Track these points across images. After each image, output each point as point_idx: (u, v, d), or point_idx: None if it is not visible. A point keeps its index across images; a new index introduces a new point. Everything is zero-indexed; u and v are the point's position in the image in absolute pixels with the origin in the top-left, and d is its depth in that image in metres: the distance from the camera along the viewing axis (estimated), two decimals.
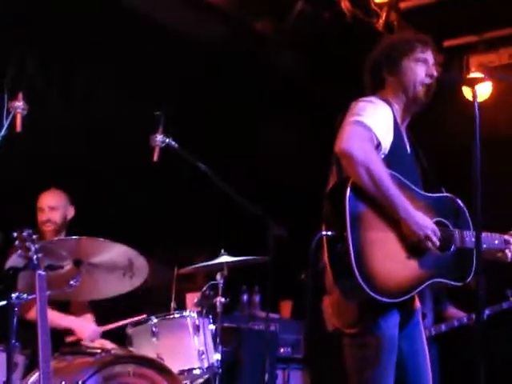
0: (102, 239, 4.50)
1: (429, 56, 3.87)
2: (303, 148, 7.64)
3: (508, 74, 7.20)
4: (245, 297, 7.36)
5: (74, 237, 4.54)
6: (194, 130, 6.64)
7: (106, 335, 5.47)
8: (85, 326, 5.47)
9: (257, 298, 7.40)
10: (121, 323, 5.43)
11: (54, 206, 5.69)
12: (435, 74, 3.83)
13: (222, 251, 5.63)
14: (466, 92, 6.58)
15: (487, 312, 6.65)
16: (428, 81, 3.82)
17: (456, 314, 6.76)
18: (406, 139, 3.86)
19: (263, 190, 7.17)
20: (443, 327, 6.65)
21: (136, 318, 5.36)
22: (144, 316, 5.33)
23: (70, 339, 5.39)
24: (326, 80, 7.33)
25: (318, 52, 7.18)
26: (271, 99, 7.57)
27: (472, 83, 3.79)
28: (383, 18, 7.18)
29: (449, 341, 6.69)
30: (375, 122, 3.58)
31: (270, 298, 5.83)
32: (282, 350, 7.11)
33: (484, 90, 7.44)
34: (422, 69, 3.82)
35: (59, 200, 5.74)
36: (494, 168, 6.12)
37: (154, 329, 5.14)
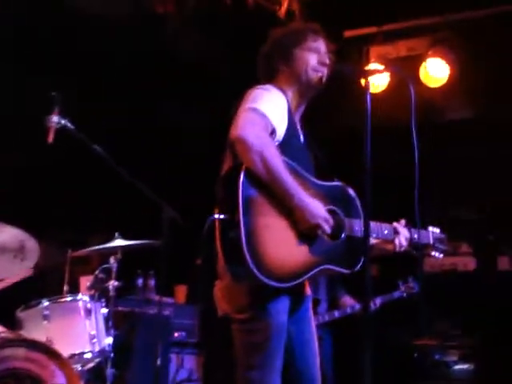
0: None
1: (320, 44, 3.93)
2: (200, 131, 7.64)
3: (404, 67, 7.41)
4: (140, 281, 7.31)
5: None
6: (93, 111, 6.57)
7: None
8: None
9: (152, 282, 7.34)
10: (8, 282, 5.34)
11: None
12: (327, 61, 3.88)
13: (117, 234, 5.59)
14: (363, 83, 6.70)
15: (379, 300, 6.80)
16: (320, 68, 3.87)
17: (349, 301, 6.88)
18: (299, 128, 3.90)
19: (159, 173, 7.14)
20: (336, 314, 6.76)
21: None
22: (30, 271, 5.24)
23: None
24: (225, 64, 7.34)
25: (218, 36, 7.17)
26: (171, 80, 7.54)
27: (365, 74, 3.83)
28: (285, 6, 7.22)
29: (342, 327, 6.80)
30: (270, 109, 3.60)
31: (163, 283, 5.82)
32: (176, 335, 7.11)
33: (381, 81, 7.59)
34: (313, 57, 3.88)
35: None
36: (391, 156, 6.28)
37: (45, 312, 5.07)
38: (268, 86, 3.76)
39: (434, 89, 7.63)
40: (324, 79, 3.88)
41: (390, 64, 7.34)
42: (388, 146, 6.04)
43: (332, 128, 7.67)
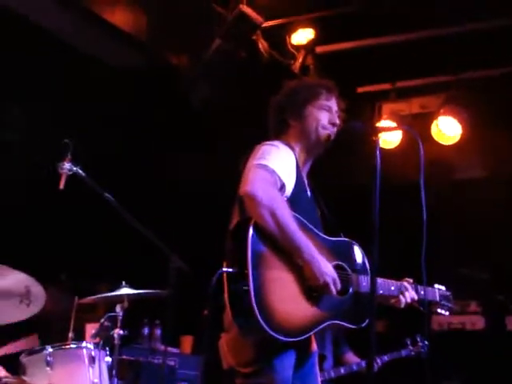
0: None
1: (333, 103, 3.97)
2: (211, 184, 7.66)
3: (416, 124, 7.44)
4: (146, 330, 7.29)
5: None
6: (103, 159, 6.60)
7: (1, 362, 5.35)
8: None
9: (158, 332, 7.32)
10: (12, 346, 5.32)
11: None
12: (337, 121, 3.92)
13: (123, 283, 5.57)
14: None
15: (386, 358, 6.74)
16: (330, 128, 3.90)
17: (353, 358, 6.84)
18: (306, 183, 3.93)
19: (168, 223, 7.14)
20: (342, 370, 6.70)
21: (29, 339, 5.26)
22: (35, 337, 5.23)
23: None
24: (239, 117, 7.39)
25: (233, 90, 7.23)
26: (183, 131, 7.59)
27: (376, 131, 3.83)
28: (299, 60, 7.28)
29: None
30: (278, 164, 3.64)
31: (169, 332, 5.80)
32: None
33: (394, 138, 7.61)
34: (325, 116, 3.92)
35: None
36: (401, 213, 6.26)
37: (48, 358, 5.04)
38: (276, 142, 3.80)
39: (446, 146, 7.64)
40: (332, 138, 3.91)
41: (402, 121, 7.36)
42: (398, 202, 6.02)
43: (343, 186, 7.69)
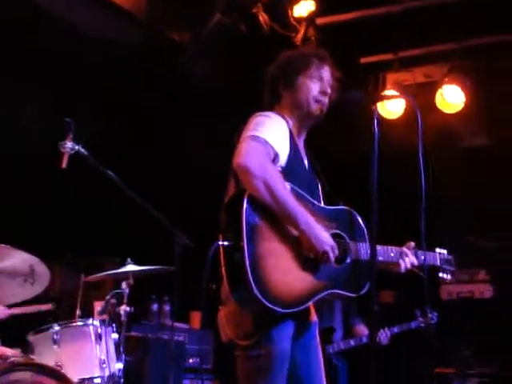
0: (2, 245, 4.47)
1: (325, 72, 3.92)
2: (212, 159, 7.66)
3: (420, 93, 7.41)
4: (154, 306, 7.33)
5: None
6: (106, 137, 6.61)
7: (7, 342, 5.38)
8: None
9: (167, 308, 7.36)
10: (27, 309, 5.35)
11: None
12: (328, 90, 3.89)
13: (129, 260, 5.59)
14: (379, 109, 6.71)
15: (395, 330, 6.75)
16: (321, 98, 3.88)
17: (364, 330, 6.84)
18: (302, 153, 3.91)
19: (172, 199, 7.15)
20: (352, 342, 6.72)
21: (43, 306, 5.30)
22: (49, 306, 5.26)
23: None
24: (240, 92, 7.37)
25: (234, 64, 7.22)
26: (184, 107, 7.59)
27: (375, 100, 3.84)
28: (301, 32, 7.25)
29: (358, 355, 6.76)
30: (271, 135, 3.62)
31: (176, 308, 5.82)
32: (190, 361, 7.09)
33: (397, 108, 7.59)
34: (316, 85, 3.88)
35: None
36: (404, 181, 6.25)
37: (55, 336, 5.08)
38: (268, 113, 3.78)
39: (451, 115, 7.62)
40: (324, 109, 3.89)
41: (406, 91, 7.34)
42: (402, 171, 6.02)
43: (344, 154, 7.67)
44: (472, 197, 7.94)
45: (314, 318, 3.87)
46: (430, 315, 6.78)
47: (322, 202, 3.87)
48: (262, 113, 3.77)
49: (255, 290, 3.36)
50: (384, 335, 6.64)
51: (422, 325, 6.79)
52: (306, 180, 3.81)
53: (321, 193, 3.93)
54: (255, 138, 3.57)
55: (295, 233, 3.56)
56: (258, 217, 3.49)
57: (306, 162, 3.91)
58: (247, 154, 3.52)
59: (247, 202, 3.48)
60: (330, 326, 6.69)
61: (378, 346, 6.50)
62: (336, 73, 3.96)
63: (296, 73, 3.89)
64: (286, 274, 3.50)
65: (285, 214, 3.52)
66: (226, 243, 3.50)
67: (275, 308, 3.42)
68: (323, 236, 3.57)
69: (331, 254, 3.58)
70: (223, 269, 3.51)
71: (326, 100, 3.88)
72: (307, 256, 3.57)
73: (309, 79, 3.88)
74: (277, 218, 3.52)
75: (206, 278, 3.61)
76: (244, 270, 3.37)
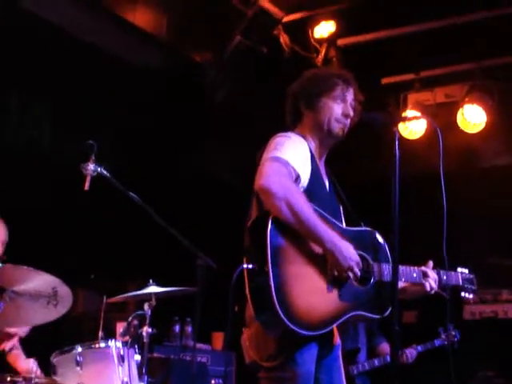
0: (25, 267, 4.47)
1: (349, 94, 3.92)
2: (236, 181, 7.69)
3: (441, 113, 7.42)
4: (177, 327, 7.33)
5: None
6: (129, 159, 6.64)
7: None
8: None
9: (189, 329, 7.35)
10: None
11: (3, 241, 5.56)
12: (351, 113, 3.88)
13: (151, 281, 5.59)
14: (401, 129, 6.72)
15: (419, 349, 6.74)
16: (344, 120, 3.87)
17: (387, 350, 6.81)
18: (323, 173, 3.91)
19: (194, 221, 7.17)
20: (376, 362, 6.70)
21: None
22: None
23: None
24: (261, 112, 7.39)
25: (255, 85, 7.24)
26: (206, 130, 7.62)
27: (397, 122, 3.84)
28: (322, 53, 7.28)
29: (380, 375, 6.73)
30: (292, 155, 3.62)
31: (197, 329, 5.82)
32: (213, 382, 7.08)
33: (419, 128, 7.59)
34: (338, 107, 3.88)
35: (3, 233, 5.61)
36: (425, 203, 6.24)
37: (78, 358, 5.06)
38: (289, 133, 3.78)
39: (472, 135, 7.61)
40: (346, 130, 3.89)
41: (427, 111, 7.34)
42: (424, 191, 6.02)
43: (366, 176, 7.67)
44: (494, 216, 7.90)
45: (338, 340, 3.85)
46: (452, 333, 6.77)
47: (344, 223, 3.86)
48: (282, 133, 3.77)
49: (280, 313, 3.35)
50: (410, 354, 6.63)
51: (446, 342, 6.78)
52: (328, 201, 3.80)
53: (342, 214, 3.92)
54: (276, 159, 3.57)
55: (320, 253, 3.55)
56: (283, 239, 3.49)
57: (326, 182, 3.91)
58: (269, 176, 3.51)
59: (272, 224, 3.47)
60: (355, 347, 6.68)
61: (404, 364, 6.49)
62: (359, 95, 3.96)
63: (319, 93, 3.88)
64: (310, 296, 3.49)
65: (309, 232, 3.51)
66: (250, 266, 3.50)
67: (300, 331, 3.41)
68: (349, 252, 3.56)
69: (357, 270, 3.57)
70: (247, 291, 3.52)
71: (347, 122, 3.88)
72: (331, 274, 3.55)
73: (332, 100, 3.88)
74: (301, 240, 3.52)
75: (230, 300, 3.60)
76: (269, 293, 3.37)
